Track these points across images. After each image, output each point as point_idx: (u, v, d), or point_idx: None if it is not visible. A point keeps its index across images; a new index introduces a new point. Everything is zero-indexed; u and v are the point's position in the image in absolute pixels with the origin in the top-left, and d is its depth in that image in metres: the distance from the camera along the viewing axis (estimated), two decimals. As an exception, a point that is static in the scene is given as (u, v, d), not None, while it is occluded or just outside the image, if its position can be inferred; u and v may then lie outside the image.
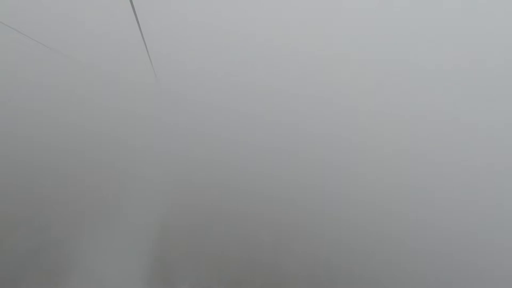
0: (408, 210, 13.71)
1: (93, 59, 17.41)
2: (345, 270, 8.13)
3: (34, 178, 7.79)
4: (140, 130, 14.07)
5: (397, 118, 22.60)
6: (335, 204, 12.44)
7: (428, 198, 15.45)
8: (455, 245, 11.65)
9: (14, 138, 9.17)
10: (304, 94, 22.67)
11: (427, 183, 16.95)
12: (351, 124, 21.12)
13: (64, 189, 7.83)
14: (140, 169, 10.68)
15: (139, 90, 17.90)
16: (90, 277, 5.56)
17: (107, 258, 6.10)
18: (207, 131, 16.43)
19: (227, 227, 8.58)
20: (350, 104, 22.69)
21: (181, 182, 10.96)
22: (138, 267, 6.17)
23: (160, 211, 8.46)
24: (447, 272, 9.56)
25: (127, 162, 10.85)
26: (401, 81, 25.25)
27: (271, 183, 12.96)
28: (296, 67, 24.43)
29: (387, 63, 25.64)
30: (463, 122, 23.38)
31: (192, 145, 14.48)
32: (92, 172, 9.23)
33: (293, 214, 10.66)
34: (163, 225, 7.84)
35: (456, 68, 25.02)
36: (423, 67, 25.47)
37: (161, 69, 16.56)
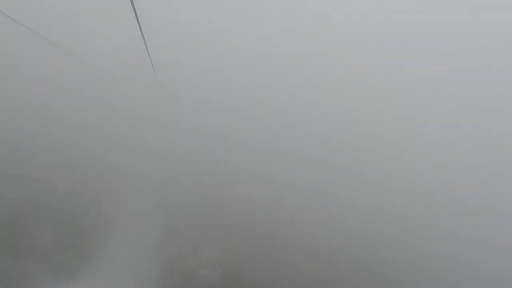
0: (410, 211, 13.70)
1: (92, 58, 17.39)
2: (349, 271, 8.11)
3: (33, 175, 7.77)
4: (140, 130, 14.05)
5: (398, 120, 22.58)
6: (336, 206, 12.42)
7: (429, 200, 15.44)
8: (458, 246, 11.62)
9: (13, 135, 9.16)
10: (305, 95, 22.65)
11: (428, 185, 16.94)
12: (352, 126, 21.10)
13: (63, 187, 7.82)
14: (139, 168, 10.67)
15: (139, 90, 17.89)
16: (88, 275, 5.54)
17: (105, 255, 6.09)
18: (208, 131, 16.42)
19: (227, 227, 8.56)
20: (352, 106, 22.67)
21: (181, 181, 10.95)
22: (137, 265, 6.15)
23: (160, 209, 8.45)
24: (450, 273, 9.54)
25: (126, 160, 10.84)
26: (402, 83, 25.24)
27: (272, 183, 12.94)
28: (298, 68, 24.41)
29: (389, 65, 25.62)
30: (465, 123, 23.36)
31: (193, 144, 14.47)
32: (92, 170, 9.22)
33: (294, 216, 10.63)
34: (164, 224, 7.83)
35: (459, 70, 25.02)
36: (426, 69, 25.45)
37: (161, 69, 16.55)
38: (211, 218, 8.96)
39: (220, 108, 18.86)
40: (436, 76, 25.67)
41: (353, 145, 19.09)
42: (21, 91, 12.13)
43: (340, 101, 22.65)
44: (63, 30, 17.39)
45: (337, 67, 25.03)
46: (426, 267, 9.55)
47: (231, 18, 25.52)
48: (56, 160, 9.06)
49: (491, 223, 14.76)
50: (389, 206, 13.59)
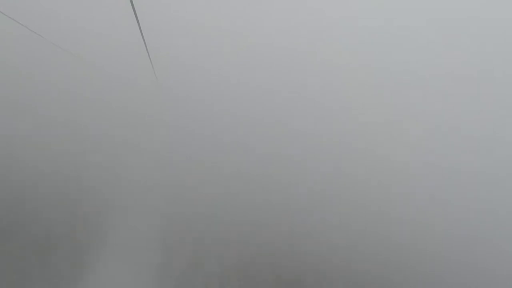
0: (408, 212, 13.70)
1: (92, 58, 17.38)
2: (346, 272, 8.11)
3: (33, 178, 7.76)
4: (140, 130, 14.05)
5: (399, 121, 22.57)
6: (336, 207, 12.42)
7: (428, 201, 15.44)
8: (455, 246, 11.64)
9: (12, 137, 9.14)
10: (306, 96, 22.62)
11: (427, 186, 16.93)
12: (352, 128, 21.09)
13: (63, 189, 7.80)
14: (139, 169, 10.66)
15: (139, 90, 17.88)
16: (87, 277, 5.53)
17: (106, 258, 6.08)
18: (207, 132, 16.41)
19: (226, 231, 8.55)
20: (352, 107, 22.65)
21: (181, 182, 10.94)
22: (139, 266, 6.14)
23: (160, 212, 8.44)
24: (447, 272, 9.55)
25: (127, 161, 10.83)
26: (401, 84, 25.22)
27: (271, 185, 12.93)
28: (297, 70, 24.39)
29: (389, 66, 25.60)
30: (465, 124, 23.35)
31: (192, 145, 14.46)
32: (92, 171, 9.21)
33: (295, 217, 10.63)
34: (164, 227, 7.82)
35: (457, 72, 24.98)
36: (425, 71, 25.43)
37: (161, 69, 16.54)
38: (209, 221, 8.94)
39: (220, 108, 18.89)
40: (435, 76, 25.69)
41: (353, 145, 19.11)
42: (20, 90, 12.11)
43: (341, 102, 22.66)
44: (63, 30, 17.40)
45: (337, 68, 25.03)
46: (426, 267, 9.55)
47: (230, 18, 25.55)
48: (47, 165, 8.96)
49: (490, 223, 14.77)
50: (388, 206, 13.60)
